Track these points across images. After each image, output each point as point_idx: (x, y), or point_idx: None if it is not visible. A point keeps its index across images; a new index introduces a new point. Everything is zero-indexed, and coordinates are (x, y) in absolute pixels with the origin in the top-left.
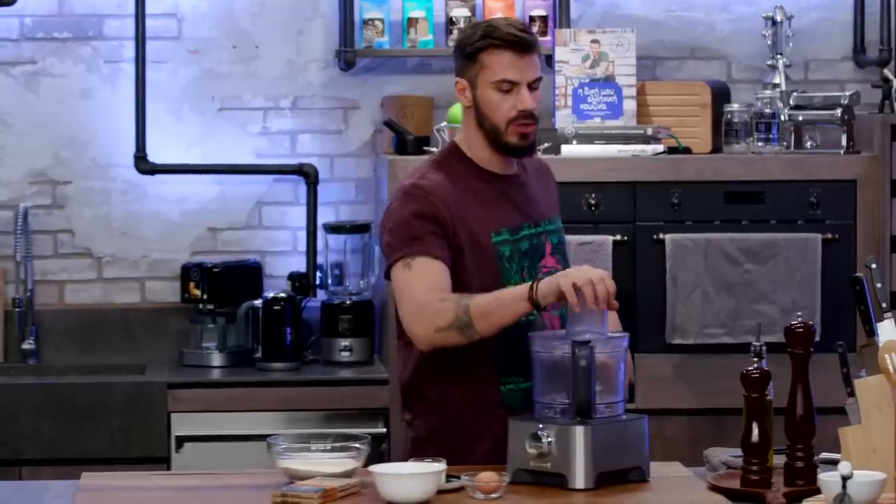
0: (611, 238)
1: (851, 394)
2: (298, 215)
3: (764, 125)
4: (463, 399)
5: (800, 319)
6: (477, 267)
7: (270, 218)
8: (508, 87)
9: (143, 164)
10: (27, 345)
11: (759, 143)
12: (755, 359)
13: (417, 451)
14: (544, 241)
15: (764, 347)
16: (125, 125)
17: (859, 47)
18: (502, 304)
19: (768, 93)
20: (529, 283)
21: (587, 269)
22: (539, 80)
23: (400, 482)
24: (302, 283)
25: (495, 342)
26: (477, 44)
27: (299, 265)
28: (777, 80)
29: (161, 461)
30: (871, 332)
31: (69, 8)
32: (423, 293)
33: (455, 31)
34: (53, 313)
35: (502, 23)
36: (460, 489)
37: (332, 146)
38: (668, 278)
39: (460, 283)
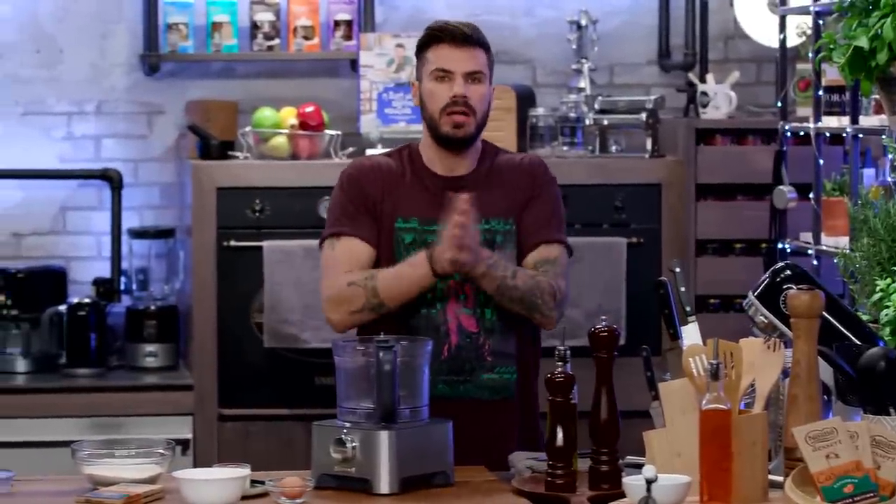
0: None
1: (656, 397)
2: (103, 220)
3: (569, 129)
4: None
5: (604, 323)
6: (382, 247)
7: (75, 223)
8: (443, 75)
9: None
10: None
11: (564, 147)
12: (560, 362)
13: None
14: None
15: (568, 351)
16: None
17: (664, 51)
18: (405, 278)
19: (573, 97)
20: (426, 252)
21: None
22: (479, 73)
23: (203, 487)
24: (106, 289)
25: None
26: (422, 40)
27: (104, 270)
28: (582, 85)
29: None
30: (676, 336)
31: None
32: (336, 278)
33: (259, 36)
34: None
35: (447, 21)
36: (265, 494)
37: (137, 151)
38: None
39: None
